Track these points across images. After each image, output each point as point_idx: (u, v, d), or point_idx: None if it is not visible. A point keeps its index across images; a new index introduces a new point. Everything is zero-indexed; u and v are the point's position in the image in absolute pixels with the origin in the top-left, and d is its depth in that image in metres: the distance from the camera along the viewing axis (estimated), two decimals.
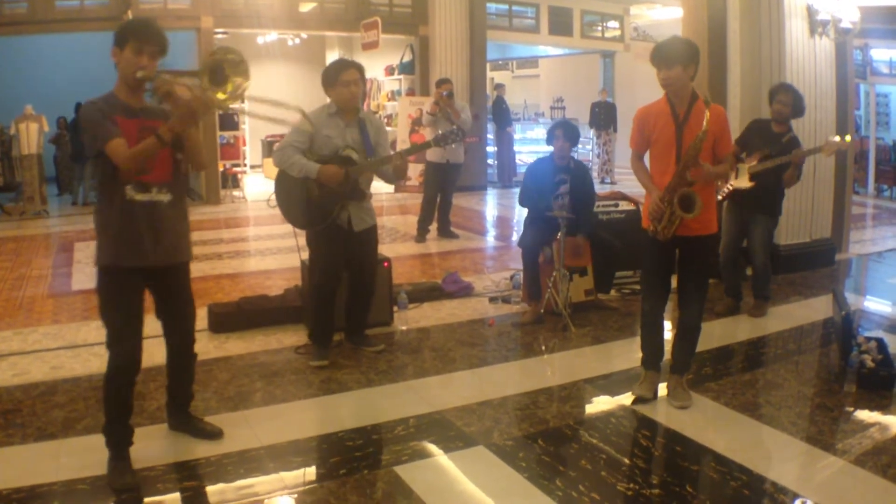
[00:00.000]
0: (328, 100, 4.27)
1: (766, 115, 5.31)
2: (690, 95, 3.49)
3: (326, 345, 4.30)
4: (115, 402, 2.94)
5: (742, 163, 4.99)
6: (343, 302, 4.47)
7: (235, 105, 2.82)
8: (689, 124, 3.46)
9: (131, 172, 2.80)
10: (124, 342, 2.91)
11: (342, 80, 4.11)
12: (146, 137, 2.77)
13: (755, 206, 5.04)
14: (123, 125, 2.81)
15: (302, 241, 4.42)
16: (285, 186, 4.22)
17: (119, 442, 2.95)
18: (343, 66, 4.20)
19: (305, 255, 4.46)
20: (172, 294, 3.13)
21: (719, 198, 5.04)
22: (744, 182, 4.98)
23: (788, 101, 5.03)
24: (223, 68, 2.73)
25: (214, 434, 3.27)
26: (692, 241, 3.56)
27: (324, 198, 4.12)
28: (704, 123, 3.34)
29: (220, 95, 2.72)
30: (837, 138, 5.23)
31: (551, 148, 5.19)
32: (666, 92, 3.55)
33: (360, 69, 4.22)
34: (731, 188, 5.11)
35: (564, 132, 5.11)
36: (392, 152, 4.26)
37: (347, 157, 4.13)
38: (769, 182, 5.00)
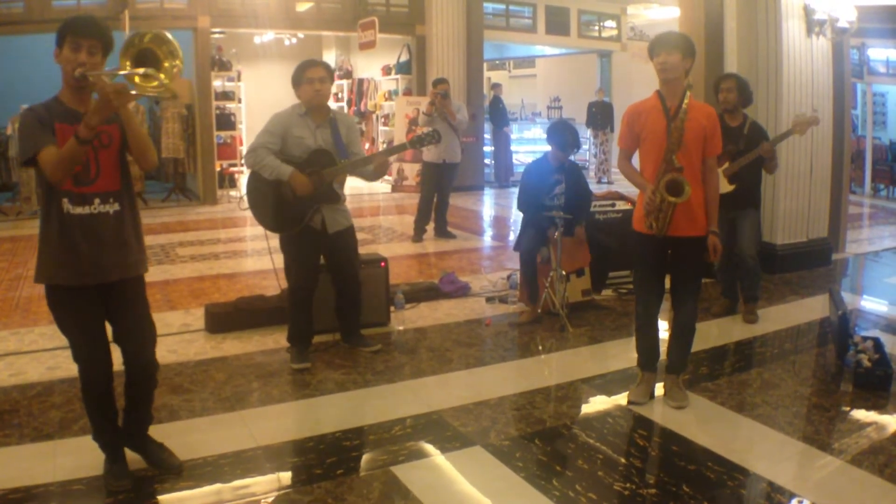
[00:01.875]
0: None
1: (750, 114, 5.23)
2: (682, 91, 3.49)
3: (304, 348, 4.28)
4: (97, 412, 2.88)
5: None
6: (335, 303, 4.46)
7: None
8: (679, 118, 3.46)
9: (60, 182, 2.59)
10: (87, 356, 2.78)
11: (307, 78, 4.07)
12: (94, 143, 2.60)
13: (739, 202, 4.98)
14: (64, 132, 2.58)
15: (274, 243, 4.33)
16: (257, 188, 4.14)
17: (111, 445, 2.93)
18: (308, 64, 4.18)
19: (278, 258, 4.37)
20: (123, 314, 2.85)
21: None
22: (724, 187, 4.95)
23: (733, 86, 4.94)
24: (152, 52, 2.59)
25: (173, 466, 2.99)
26: (683, 242, 3.54)
27: (297, 200, 4.05)
28: (683, 105, 3.37)
29: (161, 78, 2.58)
30: (806, 112, 5.13)
31: (548, 147, 5.20)
32: (657, 89, 3.56)
33: (326, 67, 4.18)
34: None
35: (574, 140, 5.18)
36: (366, 152, 4.19)
37: (324, 151, 4.08)
38: (747, 177, 4.97)
